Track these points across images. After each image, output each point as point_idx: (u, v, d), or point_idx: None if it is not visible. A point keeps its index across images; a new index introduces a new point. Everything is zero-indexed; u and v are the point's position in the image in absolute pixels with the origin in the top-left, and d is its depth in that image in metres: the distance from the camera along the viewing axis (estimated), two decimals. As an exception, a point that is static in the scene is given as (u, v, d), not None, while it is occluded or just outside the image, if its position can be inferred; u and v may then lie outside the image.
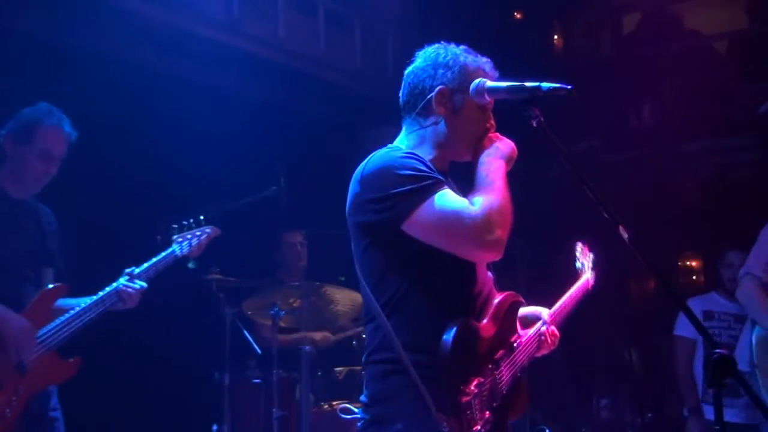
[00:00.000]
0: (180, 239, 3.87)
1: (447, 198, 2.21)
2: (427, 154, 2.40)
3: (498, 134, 2.44)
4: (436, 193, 2.21)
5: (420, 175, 2.23)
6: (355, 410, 4.46)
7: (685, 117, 7.40)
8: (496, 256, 2.26)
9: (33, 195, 3.66)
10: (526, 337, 2.49)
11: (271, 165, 5.04)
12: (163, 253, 3.82)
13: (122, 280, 3.64)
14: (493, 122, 2.45)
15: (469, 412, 2.13)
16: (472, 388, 2.16)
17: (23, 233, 3.59)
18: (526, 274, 7.44)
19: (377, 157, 2.32)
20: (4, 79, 4.44)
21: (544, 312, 2.67)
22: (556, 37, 8.50)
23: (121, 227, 4.93)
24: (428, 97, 2.39)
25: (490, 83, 2.34)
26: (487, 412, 2.19)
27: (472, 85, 2.36)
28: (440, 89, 2.38)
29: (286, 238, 5.61)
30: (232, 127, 5.54)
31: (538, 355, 2.59)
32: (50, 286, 3.56)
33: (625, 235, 2.13)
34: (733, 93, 7.50)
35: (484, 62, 2.44)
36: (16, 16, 4.75)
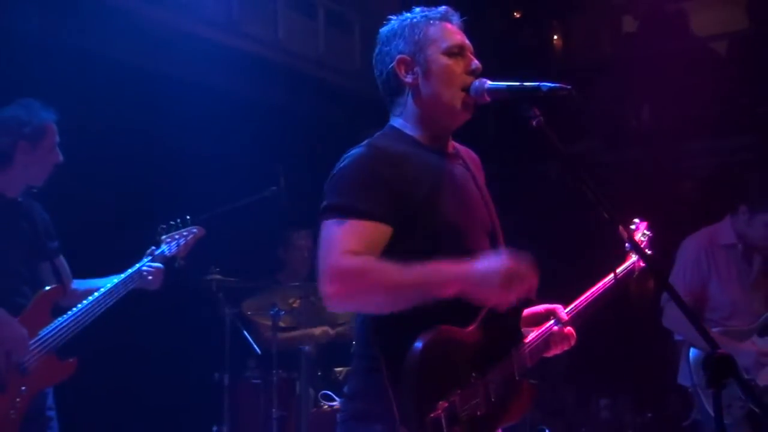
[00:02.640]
0: (168, 239, 3.94)
1: (341, 231, 2.10)
2: (415, 131, 2.32)
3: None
4: (340, 217, 2.12)
5: (348, 194, 2.14)
6: (337, 399, 4.47)
7: (685, 117, 7.39)
8: (330, 306, 2.16)
9: (28, 193, 3.68)
10: (529, 338, 2.34)
11: (271, 165, 5.03)
12: (157, 252, 3.88)
13: (146, 261, 3.76)
14: (475, 61, 2.32)
15: (438, 428, 1.99)
16: (443, 402, 2.02)
17: (18, 233, 3.61)
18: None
19: (347, 157, 2.24)
20: (4, 79, 4.44)
21: (560, 309, 2.47)
22: (555, 37, 8.49)
23: (121, 227, 4.93)
24: (390, 67, 2.32)
25: (490, 83, 2.29)
26: (463, 427, 2.04)
27: (472, 87, 2.30)
28: (398, 59, 2.31)
29: (295, 239, 5.55)
30: (231, 128, 5.55)
31: (549, 354, 2.41)
32: (47, 288, 3.58)
33: (625, 236, 2.12)
34: (733, 93, 7.49)
35: (436, 12, 2.36)
36: (16, 16, 4.75)
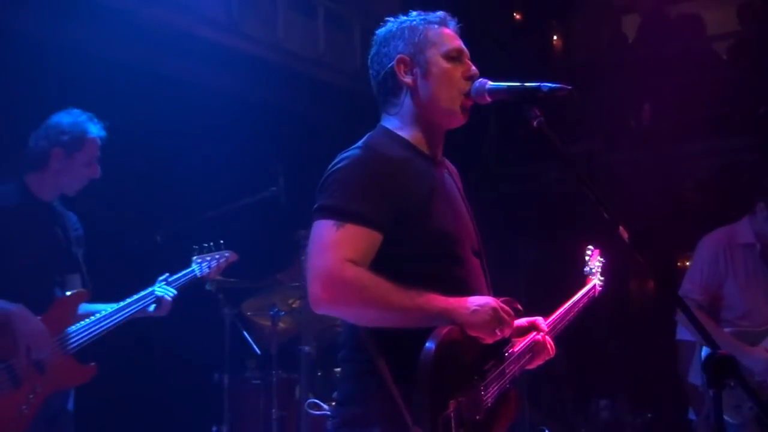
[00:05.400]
0: (199, 260, 3.99)
1: (340, 234, 2.09)
2: (409, 134, 2.32)
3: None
4: (339, 220, 2.11)
5: (346, 195, 2.13)
6: (325, 406, 4.46)
7: (685, 117, 7.39)
8: (314, 307, 2.13)
9: (58, 199, 3.71)
10: (518, 347, 2.38)
11: (270, 166, 5.03)
12: (183, 272, 3.94)
13: (157, 285, 3.76)
14: (473, 67, 2.34)
15: (448, 427, 2.00)
16: (453, 401, 2.03)
17: (50, 236, 3.65)
18: (527, 276, 7.44)
19: (343, 158, 2.23)
20: (4, 79, 4.44)
21: (541, 321, 2.53)
22: (555, 37, 8.50)
23: (121, 227, 4.92)
24: (389, 67, 2.32)
25: (490, 83, 2.30)
26: (467, 429, 2.06)
27: (473, 87, 2.31)
28: (398, 58, 2.32)
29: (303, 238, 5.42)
30: (231, 128, 5.54)
31: (532, 366, 2.46)
32: (68, 293, 3.61)
33: (625, 236, 2.12)
34: (733, 93, 7.49)
35: (434, 16, 2.38)
36: (15, 16, 4.74)
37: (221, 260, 4.05)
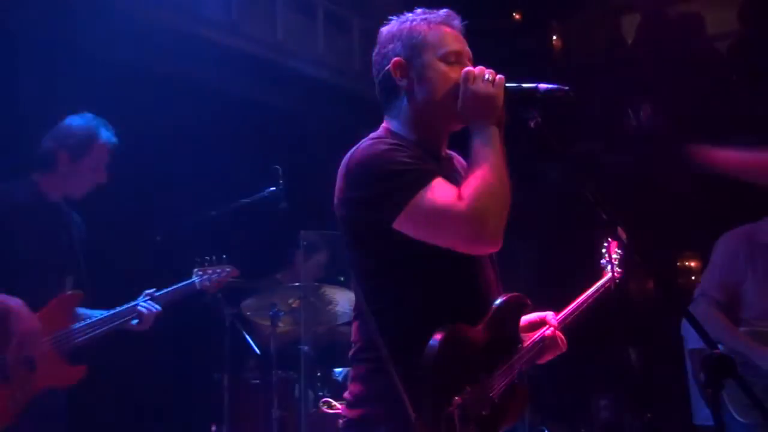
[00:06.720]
0: (200, 273, 4.01)
1: (435, 193, 2.08)
2: (411, 136, 2.29)
3: (470, 74, 2.21)
4: (422, 187, 2.08)
5: (405, 169, 2.11)
6: (338, 405, 4.47)
7: (685, 117, 7.40)
8: (494, 248, 2.18)
9: (65, 200, 3.72)
10: (527, 342, 2.37)
11: (270, 166, 5.03)
12: (182, 284, 3.97)
13: (141, 300, 3.77)
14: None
15: (451, 423, 2.00)
16: (457, 398, 2.03)
17: (55, 235, 3.67)
18: (526, 276, 7.44)
19: (361, 150, 2.20)
20: (3, 79, 4.44)
21: (551, 316, 2.52)
22: (554, 38, 8.49)
23: (119, 227, 4.92)
24: (386, 69, 2.29)
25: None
26: (472, 424, 2.06)
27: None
28: (394, 62, 2.28)
29: (311, 243, 5.40)
30: (230, 129, 5.55)
31: (543, 361, 2.47)
32: (66, 293, 3.61)
33: (624, 236, 2.12)
34: (733, 93, 7.49)
35: (437, 15, 2.33)
36: (14, 16, 4.75)
37: (222, 274, 4.08)
